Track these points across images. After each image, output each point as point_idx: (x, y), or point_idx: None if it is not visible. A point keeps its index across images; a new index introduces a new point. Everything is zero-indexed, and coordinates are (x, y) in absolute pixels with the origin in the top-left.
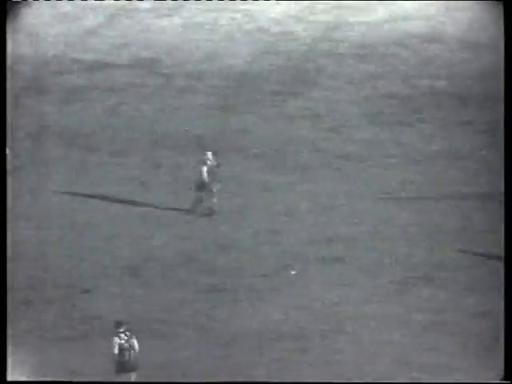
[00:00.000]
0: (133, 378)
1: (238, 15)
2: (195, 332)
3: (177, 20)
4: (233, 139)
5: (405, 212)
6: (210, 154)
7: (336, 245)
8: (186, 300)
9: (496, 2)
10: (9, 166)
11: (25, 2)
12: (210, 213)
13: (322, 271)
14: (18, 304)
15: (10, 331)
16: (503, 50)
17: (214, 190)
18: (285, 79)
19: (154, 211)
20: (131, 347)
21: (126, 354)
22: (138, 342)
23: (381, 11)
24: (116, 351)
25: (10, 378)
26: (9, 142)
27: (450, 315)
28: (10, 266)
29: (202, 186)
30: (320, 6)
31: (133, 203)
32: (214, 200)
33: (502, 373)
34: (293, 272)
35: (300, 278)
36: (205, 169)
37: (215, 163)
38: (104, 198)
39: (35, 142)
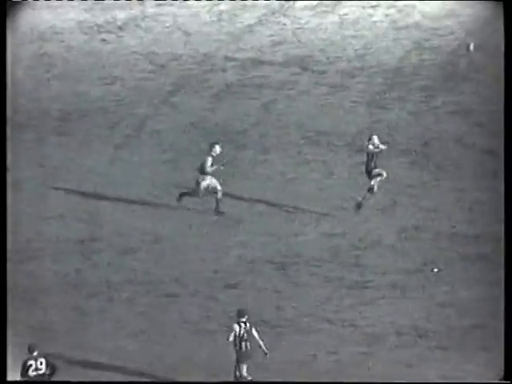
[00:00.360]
0: (244, 368)
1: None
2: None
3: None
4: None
5: None
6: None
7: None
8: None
9: (496, 2)
10: None
11: (25, 2)
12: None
13: None
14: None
15: (9, 331)
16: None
17: None
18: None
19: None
20: (248, 337)
21: (243, 343)
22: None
23: None
24: (231, 339)
25: (10, 378)
26: None
27: None
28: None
29: None
30: None
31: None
32: None
33: (502, 373)
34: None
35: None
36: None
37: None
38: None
39: None
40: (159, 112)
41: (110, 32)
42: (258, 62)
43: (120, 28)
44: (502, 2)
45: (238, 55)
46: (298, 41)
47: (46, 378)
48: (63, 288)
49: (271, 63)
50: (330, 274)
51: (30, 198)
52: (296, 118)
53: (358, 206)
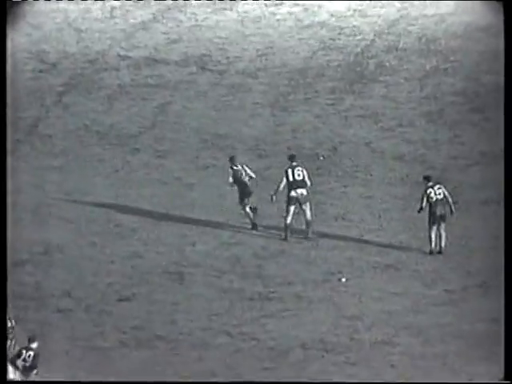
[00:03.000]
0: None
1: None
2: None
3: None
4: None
5: None
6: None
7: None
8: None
9: (496, 2)
10: None
11: (25, 2)
12: None
13: None
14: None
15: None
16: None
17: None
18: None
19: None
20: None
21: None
22: None
23: None
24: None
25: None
26: None
27: None
28: None
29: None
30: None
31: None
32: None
33: (502, 373)
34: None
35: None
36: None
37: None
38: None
39: None
40: (50, 114)
41: None
42: (152, 61)
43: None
44: (502, 2)
45: (131, 54)
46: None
47: (27, 371)
48: None
49: (167, 62)
50: (229, 284)
51: None
52: (194, 121)
53: (254, 210)
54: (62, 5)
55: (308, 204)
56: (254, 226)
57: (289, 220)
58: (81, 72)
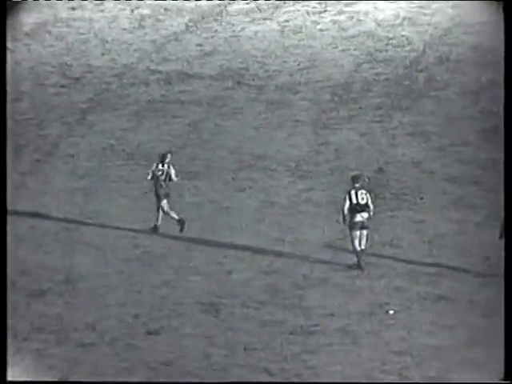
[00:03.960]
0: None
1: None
2: None
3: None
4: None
5: None
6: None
7: None
8: None
9: (496, 2)
10: None
11: (25, 2)
12: None
13: None
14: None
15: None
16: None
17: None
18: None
19: None
20: None
21: None
22: None
23: None
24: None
25: (9, 377)
26: None
27: None
28: None
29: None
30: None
31: None
32: None
33: (502, 373)
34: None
35: None
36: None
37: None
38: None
39: None
40: (73, 133)
41: (15, 39)
42: (185, 75)
43: (27, 35)
44: (502, 2)
45: (162, 67)
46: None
47: None
48: None
49: (200, 76)
50: (268, 317)
51: None
52: (229, 140)
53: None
54: (86, 13)
55: (367, 230)
56: (156, 229)
57: (357, 245)
58: (106, 87)
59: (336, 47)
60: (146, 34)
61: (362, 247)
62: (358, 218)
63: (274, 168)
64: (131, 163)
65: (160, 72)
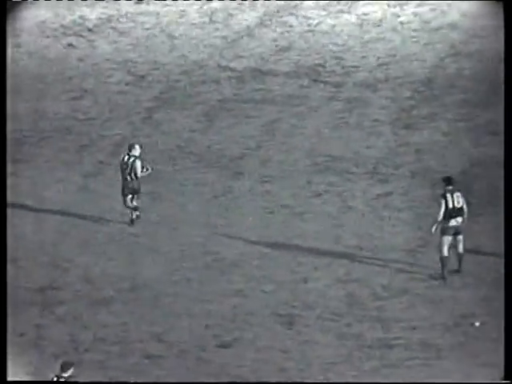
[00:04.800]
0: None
1: None
2: None
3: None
4: None
5: None
6: None
7: None
8: None
9: (496, 2)
10: None
11: (25, 2)
12: None
13: None
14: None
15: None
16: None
17: None
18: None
19: None
20: None
21: None
22: None
23: None
24: None
25: (9, 377)
26: None
27: None
28: None
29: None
30: None
31: None
32: None
33: (502, 373)
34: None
35: None
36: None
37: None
38: None
39: None
40: (138, 133)
41: (78, 35)
42: (258, 73)
43: (91, 30)
44: (501, 2)
45: (233, 64)
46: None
47: None
48: (19, 349)
49: (275, 74)
50: (346, 329)
51: None
52: (304, 141)
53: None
54: (153, 8)
55: (462, 235)
56: (132, 222)
57: (445, 252)
58: (174, 85)
59: (418, 41)
60: (216, 29)
61: (460, 251)
62: (453, 222)
63: (352, 171)
64: (201, 166)
65: (232, 69)
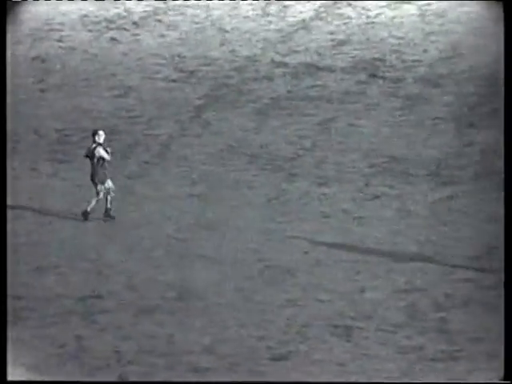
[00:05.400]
0: None
1: None
2: None
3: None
4: None
5: None
6: None
7: None
8: None
9: (496, 2)
10: None
11: (25, 2)
12: None
13: None
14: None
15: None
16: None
17: None
18: None
19: None
20: None
21: None
22: None
23: None
24: None
25: (10, 377)
26: None
27: None
28: None
29: None
30: None
31: None
32: None
33: (502, 373)
34: None
35: None
36: None
37: None
38: None
39: None
40: (186, 132)
41: (122, 29)
42: (314, 68)
43: (136, 24)
44: (501, 2)
45: (288, 59)
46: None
47: None
48: (60, 362)
49: (331, 69)
50: (406, 341)
51: (24, 246)
52: (362, 140)
53: (84, 215)
54: (202, 0)
55: None
56: (85, 214)
57: None
58: (225, 82)
59: (484, 32)
60: (270, 22)
61: None
62: None
63: (412, 172)
64: (253, 167)
65: (286, 65)
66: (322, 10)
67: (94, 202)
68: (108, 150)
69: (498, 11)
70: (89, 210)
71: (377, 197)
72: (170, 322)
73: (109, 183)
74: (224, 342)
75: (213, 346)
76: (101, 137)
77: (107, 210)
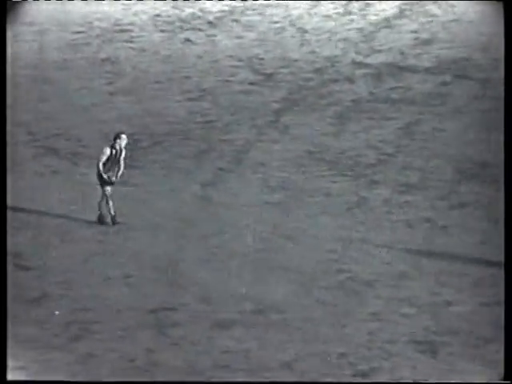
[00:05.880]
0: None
1: None
2: None
3: None
4: None
5: None
6: None
7: None
8: None
9: (496, 2)
10: None
11: (25, 2)
12: None
13: None
14: None
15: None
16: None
17: None
18: None
19: None
20: None
21: None
22: None
23: None
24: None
25: (10, 377)
26: None
27: None
28: None
29: None
30: None
31: None
32: None
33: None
34: None
35: None
36: None
37: None
38: None
39: None
40: (264, 138)
41: (197, 29)
42: (396, 69)
43: (211, 24)
44: (501, 2)
45: (370, 60)
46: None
47: None
48: (129, 376)
49: (415, 70)
50: (494, 356)
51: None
52: (448, 145)
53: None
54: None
55: None
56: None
57: None
58: (304, 84)
59: None
60: (352, 20)
61: None
62: None
63: (501, 179)
64: (333, 174)
65: (368, 65)
66: (405, 7)
67: (110, 204)
68: (122, 158)
69: None
70: (113, 213)
71: (463, 205)
72: (247, 336)
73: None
74: (304, 357)
75: (292, 361)
76: (122, 141)
77: (112, 217)
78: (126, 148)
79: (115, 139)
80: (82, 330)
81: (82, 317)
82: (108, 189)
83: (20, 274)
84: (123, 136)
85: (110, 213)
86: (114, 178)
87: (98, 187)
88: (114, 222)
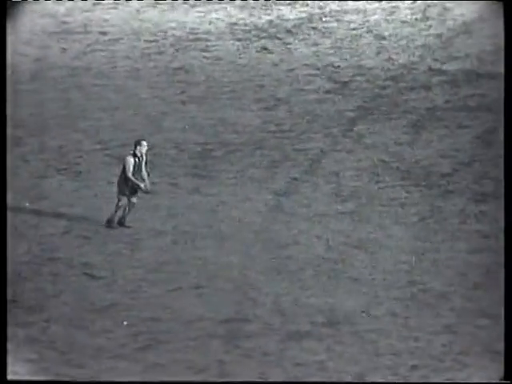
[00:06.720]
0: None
1: None
2: None
3: None
4: None
5: None
6: None
7: None
8: None
9: (496, 2)
10: None
11: (25, 2)
12: None
13: None
14: None
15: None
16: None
17: None
18: None
19: None
20: None
21: None
22: None
23: None
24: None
25: (10, 377)
26: None
27: None
28: None
29: None
30: None
31: None
32: None
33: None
34: None
35: None
36: None
37: None
38: None
39: None
40: (338, 147)
41: (274, 37)
42: (474, 75)
43: (289, 32)
44: (501, 2)
45: (446, 66)
46: None
47: None
48: None
49: (492, 76)
50: None
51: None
52: None
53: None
54: (360, 4)
55: None
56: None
57: None
58: (380, 92)
59: None
60: (430, 26)
61: None
62: None
63: None
64: (407, 183)
65: (444, 72)
66: (483, 11)
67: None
68: (143, 165)
69: None
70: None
71: None
72: (319, 348)
73: (130, 199)
74: (376, 370)
75: (364, 374)
76: (143, 148)
77: (120, 219)
78: (146, 154)
79: (136, 146)
80: (153, 341)
81: (151, 327)
82: (134, 199)
83: (90, 284)
84: (144, 143)
85: (121, 218)
86: (149, 187)
87: (122, 197)
88: (121, 224)
